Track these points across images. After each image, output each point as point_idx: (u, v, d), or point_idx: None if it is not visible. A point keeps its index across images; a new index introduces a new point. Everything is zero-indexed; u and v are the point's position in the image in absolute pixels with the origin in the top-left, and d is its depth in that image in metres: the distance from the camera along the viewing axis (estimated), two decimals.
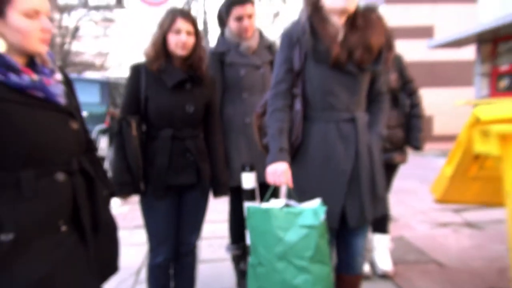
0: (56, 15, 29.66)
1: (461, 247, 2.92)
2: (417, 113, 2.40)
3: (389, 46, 2.34)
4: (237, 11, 2.10)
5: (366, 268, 2.46)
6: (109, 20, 28.63)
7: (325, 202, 1.42)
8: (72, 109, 1.21)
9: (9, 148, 1.07)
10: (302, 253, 1.38)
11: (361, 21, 1.48)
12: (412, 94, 2.41)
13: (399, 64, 2.37)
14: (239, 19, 2.11)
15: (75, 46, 28.83)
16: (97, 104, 6.57)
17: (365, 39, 1.46)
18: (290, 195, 1.52)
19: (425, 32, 8.36)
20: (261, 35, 2.26)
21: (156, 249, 1.87)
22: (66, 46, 28.01)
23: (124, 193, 1.78)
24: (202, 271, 2.33)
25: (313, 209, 1.39)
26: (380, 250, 2.53)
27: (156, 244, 1.87)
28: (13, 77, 1.07)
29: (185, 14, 1.76)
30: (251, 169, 1.88)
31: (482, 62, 6.10)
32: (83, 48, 30.16)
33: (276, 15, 22.51)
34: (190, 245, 1.93)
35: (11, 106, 1.07)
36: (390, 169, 2.40)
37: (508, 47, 5.84)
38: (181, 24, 1.73)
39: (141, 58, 1.88)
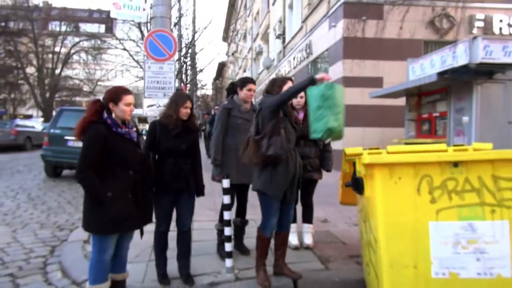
0: (49, 41, 30.59)
1: None
2: (327, 149, 3.94)
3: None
4: (250, 86, 3.68)
5: (297, 241, 3.96)
6: (99, 48, 29.94)
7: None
8: (139, 143, 2.69)
9: (114, 159, 2.45)
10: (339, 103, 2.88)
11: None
12: None
13: None
14: (250, 90, 3.68)
15: (65, 72, 29.94)
16: None
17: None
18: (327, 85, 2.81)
19: (376, 82, 10.20)
20: (251, 103, 3.84)
21: (159, 223, 3.10)
22: (57, 72, 29.10)
23: None
24: (194, 246, 3.54)
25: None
26: (306, 233, 4.01)
27: (159, 220, 3.10)
28: (119, 130, 2.51)
29: (190, 98, 3.17)
30: (227, 177, 3.35)
31: (410, 110, 7.84)
32: (73, 73, 31.24)
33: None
34: (187, 226, 3.21)
35: (117, 142, 2.49)
36: (312, 182, 3.94)
37: (428, 100, 7.62)
38: (188, 103, 3.07)
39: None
